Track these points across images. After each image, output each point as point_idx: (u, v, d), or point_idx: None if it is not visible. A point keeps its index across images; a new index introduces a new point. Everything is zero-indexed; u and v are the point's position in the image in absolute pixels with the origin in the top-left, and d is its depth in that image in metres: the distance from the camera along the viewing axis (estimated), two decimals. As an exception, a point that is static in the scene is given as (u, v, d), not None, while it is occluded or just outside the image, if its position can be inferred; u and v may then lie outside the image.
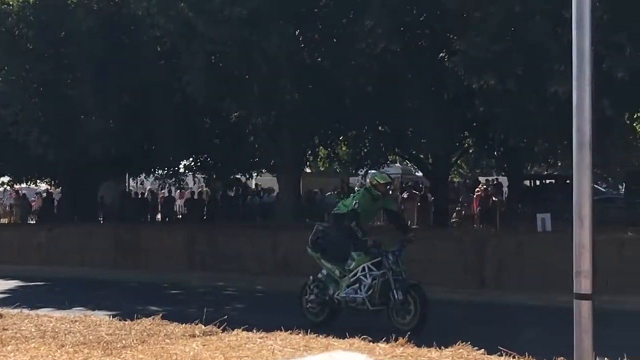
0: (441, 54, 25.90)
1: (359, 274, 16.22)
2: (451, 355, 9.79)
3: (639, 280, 20.77)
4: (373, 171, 17.97)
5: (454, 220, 33.30)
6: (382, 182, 16.73)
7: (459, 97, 26.36)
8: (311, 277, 17.11)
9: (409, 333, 11.38)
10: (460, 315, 18.56)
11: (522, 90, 23.18)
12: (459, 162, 41.54)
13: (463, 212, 34.07)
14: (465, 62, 23.06)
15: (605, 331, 11.88)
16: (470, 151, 37.70)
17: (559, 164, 38.20)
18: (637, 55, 21.01)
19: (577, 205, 5.45)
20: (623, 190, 39.98)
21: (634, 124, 33.97)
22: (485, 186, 35.18)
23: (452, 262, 23.65)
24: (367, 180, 17.04)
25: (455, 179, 48.81)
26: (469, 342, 10.36)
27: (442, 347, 10.15)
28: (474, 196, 33.66)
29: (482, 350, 10.02)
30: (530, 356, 9.67)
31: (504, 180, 40.79)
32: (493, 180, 41.91)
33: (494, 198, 33.18)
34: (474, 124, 30.58)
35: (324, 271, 16.95)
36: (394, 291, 15.74)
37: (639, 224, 26.29)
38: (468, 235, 25.82)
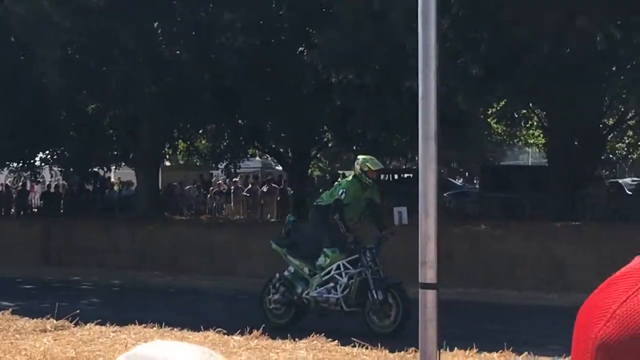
0: (300, 48, 26.02)
1: (333, 272, 14.78)
2: (305, 346, 9.85)
3: (492, 272, 21.27)
4: (363, 156, 15.84)
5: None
6: (374, 168, 15.20)
7: (318, 92, 26.54)
8: (277, 275, 15.43)
9: (263, 326, 11.37)
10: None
11: (379, 85, 23.47)
12: (318, 156, 41.85)
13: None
14: (323, 56, 23.23)
15: (457, 321, 12.17)
16: (330, 145, 38.02)
17: (416, 158, 38.81)
18: (491, 53, 21.45)
19: (423, 197, 5.54)
20: (478, 184, 40.80)
21: (489, 120, 34.80)
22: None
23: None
24: (357, 166, 15.24)
25: (315, 173, 49.09)
26: (323, 334, 10.45)
27: (297, 339, 10.22)
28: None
29: (336, 341, 10.11)
30: (382, 347, 9.82)
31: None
32: (352, 174, 42.21)
33: (352, 192, 33.40)
34: (333, 118, 30.84)
35: (291, 268, 15.34)
36: (373, 291, 14.35)
37: (492, 217, 26.91)
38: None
